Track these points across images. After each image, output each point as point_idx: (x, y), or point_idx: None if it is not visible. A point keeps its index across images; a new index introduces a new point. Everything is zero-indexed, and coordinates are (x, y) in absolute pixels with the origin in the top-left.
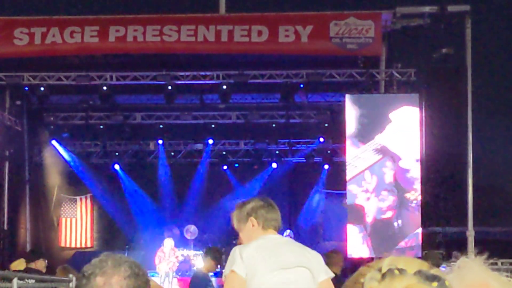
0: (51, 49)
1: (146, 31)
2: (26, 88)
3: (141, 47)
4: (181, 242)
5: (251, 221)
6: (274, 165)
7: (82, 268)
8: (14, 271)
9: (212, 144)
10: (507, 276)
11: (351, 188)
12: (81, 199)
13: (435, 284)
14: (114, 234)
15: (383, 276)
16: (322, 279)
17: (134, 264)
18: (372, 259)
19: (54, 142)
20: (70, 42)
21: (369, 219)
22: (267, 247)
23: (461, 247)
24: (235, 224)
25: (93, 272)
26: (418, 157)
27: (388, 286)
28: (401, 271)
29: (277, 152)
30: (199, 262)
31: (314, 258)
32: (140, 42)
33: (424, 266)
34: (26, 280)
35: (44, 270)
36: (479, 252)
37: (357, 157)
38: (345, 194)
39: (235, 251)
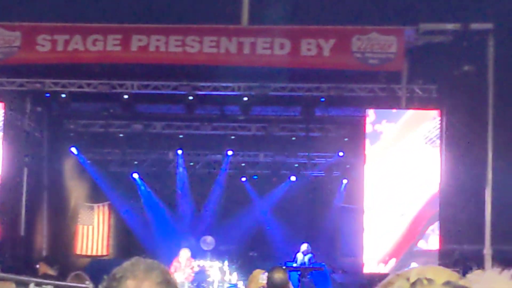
0: (73, 56)
1: (169, 41)
2: (48, 95)
3: (163, 57)
4: (198, 252)
5: None
6: (293, 178)
7: (97, 276)
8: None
9: (231, 155)
10: None
11: None
12: (98, 206)
13: None
14: (130, 243)
15: (412, 285)
16: None
17: (166, 271)
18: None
19: (73, 149)
20: (93, 50)
21: None
22: None
23: (479, 266)
24: None
25: (124, 275)
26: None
27: None
28: (429, 281)
29: (296, 165)
30: (215, 273)
31: None
32: (163, 52)
33: (453, 277)
34: (43, 286)
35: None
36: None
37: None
38: (363, 209)
39: None
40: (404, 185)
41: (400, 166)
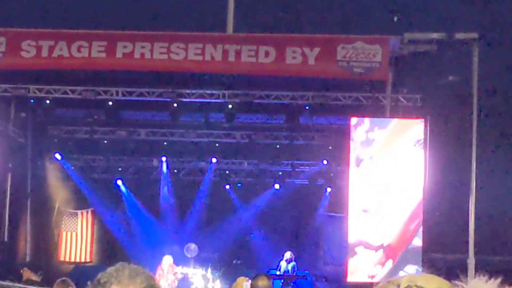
0: (58, 62)
1: (154, 48)
2: (32, 101)
3: (148, 64)
4: (181, 259)
5: None
6: (276, 186)
7: (80, 282)
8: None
9: (216, 162)
10: None
11: None
12: (82, 213)
13: None
14: (114, 249)
15: None
16: None
17: (150, 276)
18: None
19: (57, 155)
20: (77, 57)
21: None
22: None
23: (462, 275)
24: None
25: (108, 281)
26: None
27: None
28: None
29: (280, 173)
30: (198, 280)
31: None
32: (148, 59)
33: (444, 284)
34: None
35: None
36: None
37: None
38: (347, 217)
39: None
40: (397, 186)
41: (392, 168)
